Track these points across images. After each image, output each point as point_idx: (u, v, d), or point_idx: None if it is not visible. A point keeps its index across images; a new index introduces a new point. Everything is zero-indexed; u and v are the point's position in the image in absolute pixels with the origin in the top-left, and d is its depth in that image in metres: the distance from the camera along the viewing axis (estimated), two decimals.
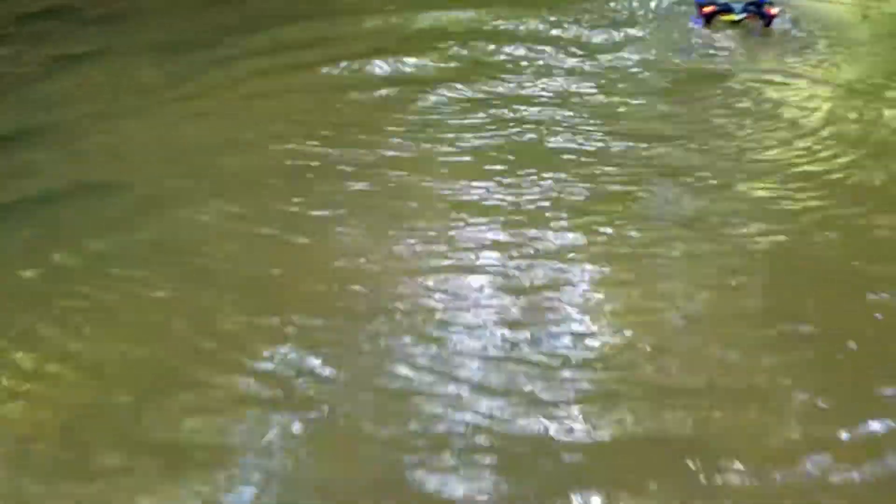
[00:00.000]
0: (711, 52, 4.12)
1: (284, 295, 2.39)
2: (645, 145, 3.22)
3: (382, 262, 2.52)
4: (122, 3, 5.01)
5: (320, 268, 2.51)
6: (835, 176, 2.97)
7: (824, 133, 3.27)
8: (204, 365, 2.12)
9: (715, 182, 2.94)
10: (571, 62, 4.03)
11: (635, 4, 4.68)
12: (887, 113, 3.45)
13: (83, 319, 2.30)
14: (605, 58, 4.06)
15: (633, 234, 2.65)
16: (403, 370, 2.08)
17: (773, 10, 4.16)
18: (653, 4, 4.67)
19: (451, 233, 2.66)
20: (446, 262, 2.51)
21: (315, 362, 2.10)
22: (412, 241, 2.62)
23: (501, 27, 4.50)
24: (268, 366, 2.10)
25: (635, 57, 4.05)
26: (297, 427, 1.91)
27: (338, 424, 1.94)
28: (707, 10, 4.15)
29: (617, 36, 4.32)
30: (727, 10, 4.20)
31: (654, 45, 4.19)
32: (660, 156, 3.16)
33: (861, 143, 3.21)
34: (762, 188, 2.95)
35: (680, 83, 3.83)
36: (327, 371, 2.08)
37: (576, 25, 4.44)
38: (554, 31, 4.39)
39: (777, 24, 4.25)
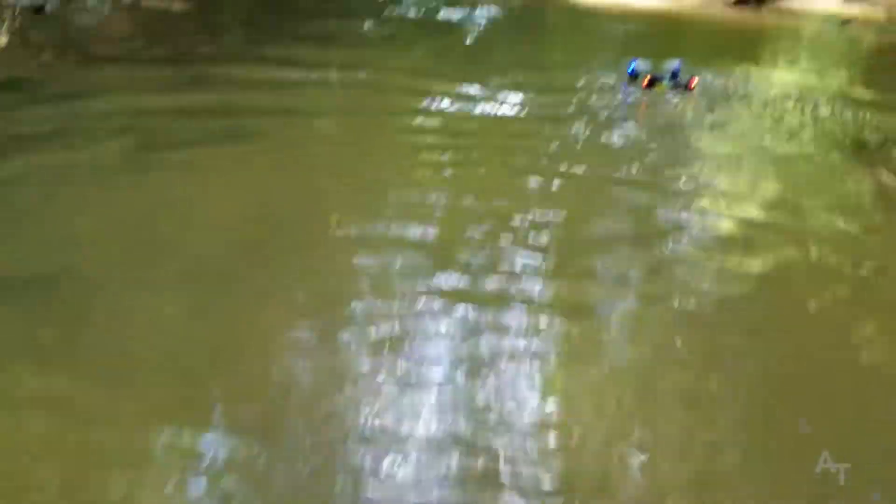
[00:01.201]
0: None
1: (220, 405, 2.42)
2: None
3: (327, 366, 2.56)
4: (83, 79, 5.01)
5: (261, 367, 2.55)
6: None
7: None
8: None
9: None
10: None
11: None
12: None
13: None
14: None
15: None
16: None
17: (693, 81, 5.46)
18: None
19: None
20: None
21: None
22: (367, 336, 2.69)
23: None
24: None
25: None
26: None
27: None
28: (645, 81, 5.42)
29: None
30: (659, 79, 5.45)
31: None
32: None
33: None
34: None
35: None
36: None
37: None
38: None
39: (696, 91, 5.40)
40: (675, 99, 5.33)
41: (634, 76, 5.48)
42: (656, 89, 5.41)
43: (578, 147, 4.46)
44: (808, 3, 9.28)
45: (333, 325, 2.76)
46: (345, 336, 2.71)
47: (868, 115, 5.23)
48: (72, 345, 2.66)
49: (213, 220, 3.48)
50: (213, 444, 2.25)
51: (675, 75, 5.45)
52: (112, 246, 3.25)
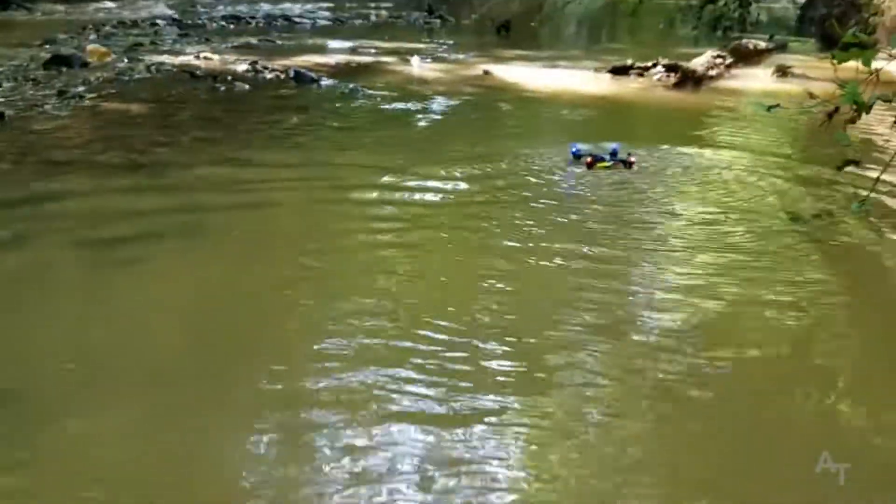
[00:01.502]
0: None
1: None
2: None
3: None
4: (40, 184, 5.07)
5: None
6: None
7: None
8: None
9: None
10: None
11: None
12: None
13: None
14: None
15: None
16: None
17: (632, 159, 5.85)
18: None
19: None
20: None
21: None
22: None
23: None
24: None
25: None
26: None
27: None
28: (588, 160, 5.77)
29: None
30: (600, 159, 5.80)
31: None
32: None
33: None
34: None
35: None
36: None
37: None
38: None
39: (635, 168, 5.79)
40: (617, 176, 5.64)
41: (578, 157, 5.91)
42: (598, 167, 5.79)
43: (531, 226, 4.64)
44: (742, 83, 9.84)
45: (296, 444, 2.72)
46: (309, 459, 2.66)
47: (806, 187, 5.54)
48: (20, 466, 2.61)
49: (169, 325, 3.52)
50: None
51: (614, 154, 5.88)
52: (64, 359, 3.21)
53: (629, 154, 5.91)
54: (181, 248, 4.31)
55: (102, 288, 3.86)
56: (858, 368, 3.33)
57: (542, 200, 5.11)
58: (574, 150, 5.93)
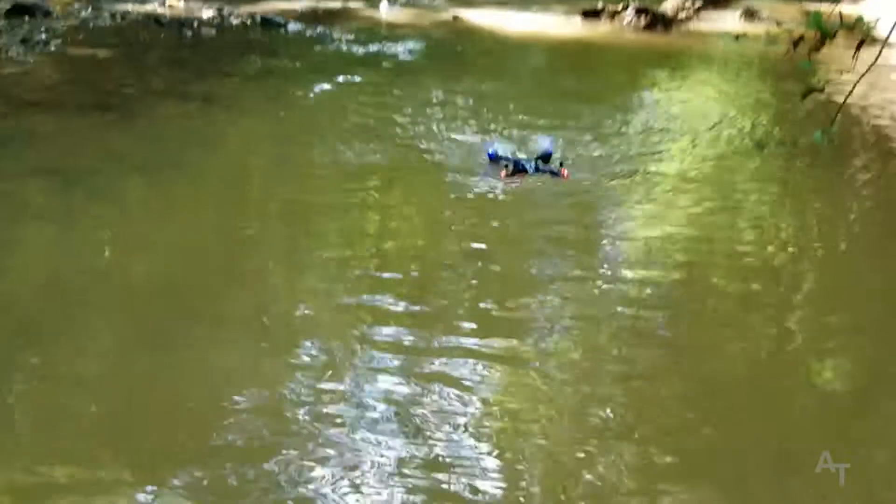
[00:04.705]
0: None
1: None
2: None
3: None
4: (8, 125, 5.04)
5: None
6: None
7: None
8: None
9: None
10: None
11: None
12: None
13: None
14: None
15: None
16: None
17: (565, 171, 4.53)
18: None
19: None
20: None
21: None
22: None
23: None
24: None
25: None
26: None
27: None
28: (504, 172, 4.47)
29: None
30: (522, 168, 4.50)
31: None
32: None
33: None
34: None
35: None
36: None
37: None
38: None
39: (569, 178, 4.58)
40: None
41: (495, 160, 4.64)
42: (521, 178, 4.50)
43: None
44: (711, 25, 9.88)
45: (266, 378, 2.76)
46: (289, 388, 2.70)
47: (772, 116, 5.65)
48: None
49: (139, 255, 3.57)
50: None
51: (546, 158, 4.60)
52: (36, 282, 3.27)
53: (561, 164, 4.57)
54: (152, 181, 4.34)
55: (74, 218, 3.89)
56: (820, 286, 3.47)
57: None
58: (490, 152, 4.68)
